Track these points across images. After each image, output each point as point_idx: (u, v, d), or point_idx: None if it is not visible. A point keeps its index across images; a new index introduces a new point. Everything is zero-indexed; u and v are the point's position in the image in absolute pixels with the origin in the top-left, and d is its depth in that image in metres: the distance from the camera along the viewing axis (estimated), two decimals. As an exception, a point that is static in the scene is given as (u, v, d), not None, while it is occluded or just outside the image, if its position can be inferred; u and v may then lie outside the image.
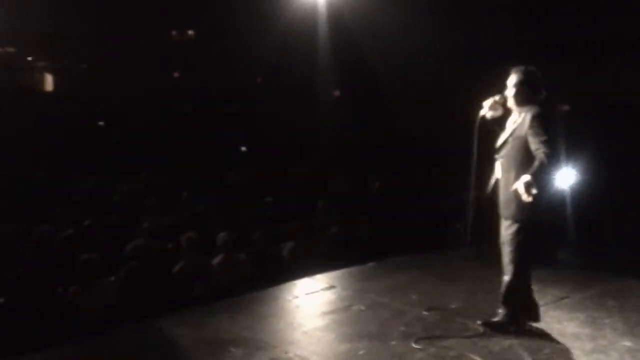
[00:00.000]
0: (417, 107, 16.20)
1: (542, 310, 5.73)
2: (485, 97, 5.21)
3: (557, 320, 5.54)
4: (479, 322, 5.27)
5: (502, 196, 5.14)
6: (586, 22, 13.29)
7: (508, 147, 5.06)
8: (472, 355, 4.80)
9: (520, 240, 5.00)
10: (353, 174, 13.21)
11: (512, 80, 5.06)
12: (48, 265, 6.90)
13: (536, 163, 4.67)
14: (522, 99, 4.98)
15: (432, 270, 7.23)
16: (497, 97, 5.18)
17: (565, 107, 15.14)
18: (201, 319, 5.59)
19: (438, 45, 15.09)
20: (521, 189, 4.65)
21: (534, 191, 4.59)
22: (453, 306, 5.93)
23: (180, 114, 16.94)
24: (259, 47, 16.07)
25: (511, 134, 5.02)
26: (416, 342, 5.03)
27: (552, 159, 4.68)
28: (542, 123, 4.76)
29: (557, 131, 4.85)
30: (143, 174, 12.46)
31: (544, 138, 4.70)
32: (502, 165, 5.16)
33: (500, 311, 5.20)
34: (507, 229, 5.11)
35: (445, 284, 6.70)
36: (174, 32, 18.45)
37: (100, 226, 8.33)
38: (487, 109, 5.23)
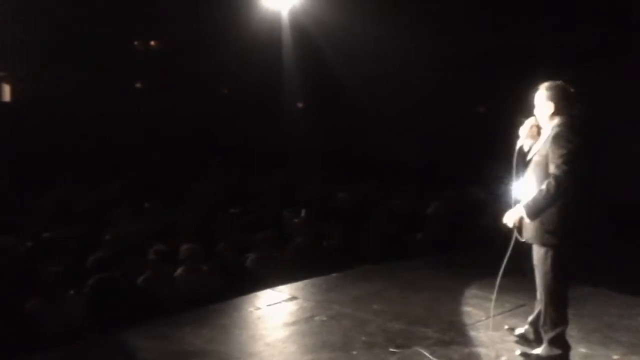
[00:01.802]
0: (383, 116, 16.32)
1: (500, 318, 5.90)
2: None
3: (515, 327, 5.65)
4: (518, 352, 5.01)
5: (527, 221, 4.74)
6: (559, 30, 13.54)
7: (531, 167, 4.76)
8: (432, 364, 4.89)
9: (550, 264, 4.70)
10: (319, 184, 13.28)
11: (539, 96, 4.76)
12: (10, 278, 6.83)
13: (540, 189, 4.50)
14: (549, 116, 4.68)
15: (396, 280, 7.31)
16: (532, 120, 4.85)
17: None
18: (165, 331, 5.60)
19: (404, 55, 15.24)
20: (509, 218, 4.71)
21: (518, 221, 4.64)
22: (416, 315, 6.01)
23: (147, 124, 16.87)
24: (225, 58, 16.09)
25: (535, 153, 4.73)
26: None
27: (561, 186, 4.42)
28: (564, 141, 4.48)
29: (585, 149, 4.52)
30: (113, 184, 12.39)
31: (560, 161, 4.45)
32: (525, 186, 4.78)
33: (543, 339, 4.89)
34: (536, 254, 4.82)
35: (408, 293, 6.80)
36: (136, 42, 18.33)
37: (65, 237, 8.27)
38: (524, 138, 4.87)
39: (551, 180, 4.47)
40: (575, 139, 4.50)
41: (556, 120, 4.66)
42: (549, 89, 4.71)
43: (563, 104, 4.66)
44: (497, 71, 14.32)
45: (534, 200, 4.56)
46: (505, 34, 14.44)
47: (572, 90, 4.72)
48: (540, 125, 4.80)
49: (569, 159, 4.44)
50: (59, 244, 7.87)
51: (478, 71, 14.81)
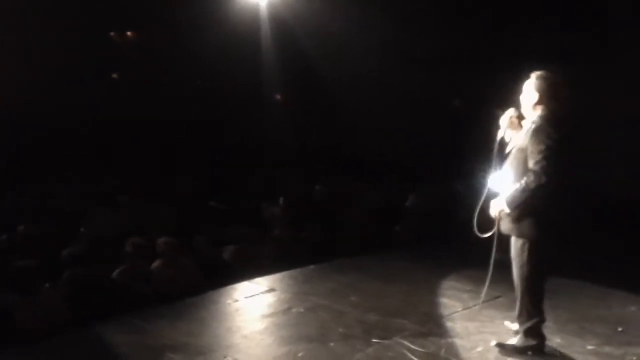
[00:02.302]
0: (363, 111, 16.34)
1: (476, 309, 5.95)
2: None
3: (491, 319, 5.72)
4: (494, 342, 5.05)
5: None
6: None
7: (510, 158, 4.72)
8: (409, 355, 4.91)
9: (527, 257, 4.70)
10: (297, 177, 13.28)
11: (527, 84, 4.69)
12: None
13: (519, 184, 4.52)
14: (532, 106, 4.64)
15: (372, 272, 7.34)
16: (512, 112, 4.82)
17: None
18: (141, 325, 5.58)
19: (385, 49, 15.27)
20: (493, 209, 4.75)
21: (499, 213, 4.69)
22: (393, 307, 6.04)
23: (122, 116, 16.72)
24: (203, 51, 16.00)
25: (515, 145, 4.69)
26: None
27: (539, 181, 4.43)
28: (543, 136, 4.45)
29: (566, 144, 4.49)
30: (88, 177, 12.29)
31: (539, 157, 4.44)
32: (505, 178, 4.75)
33: (517, 332, 4.94)
34: (513, 245, 4.82)
35: (385, 286, 6.83)
36: (112, 33, 18.14)
37: (40, 232, 8.19)
38: (504, 129, 4.82)
39: (530, 174, 4.48)
40: (555, 134, 4.46)
41: (538, 111, 4.62)
42: (538, 78, 4.65)
43: (548, 96, 4.59)
44: (475, 68, 14.39)
45: (514, 193, 4.59)
46: (486, 32, 14.49)
47: (562, 84, 4.65)
48: (522, 115, 4.78)
49: (547, 154, 4.43)
50: (34, 238, 7.79)
51: (456, 67, 14.87)
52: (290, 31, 16.11)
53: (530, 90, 4.68)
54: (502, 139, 4.84)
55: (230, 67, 16.82)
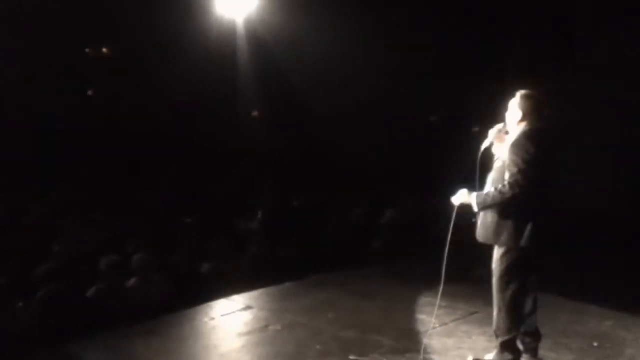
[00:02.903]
0: (340, 123, 16.37)
1: (452, 325, 5.96)
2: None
3: (468, 334, 5.72)
4: (470, 358, 5.06)
5: (485, 222, 4.82)
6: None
7: (492, 170, 4.87)
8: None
9: (505, 267, 4.74)
10: (274, 192, 13.24)
11: (512, 102, 4.83)
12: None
13: (496, 187, 4.63)
14: (516, 122, 4.76)
15: (349, 288, 7.33)
16: (500, 126, 4.93)
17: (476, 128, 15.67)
18: (116, 344, 5.51)
19: (362, 62, 15.33)
20: (457, 199, 4.82)
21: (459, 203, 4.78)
22: (369, 324, 6.02)
23: (98, 131, 16.59)
24: (179, 65, 15.95)
25: (497, 158, 4.84)
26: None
27: (512, 193, 4.54)
28: (520, 150, 4.57)
29: (543, 159, 4.61)
30: (57, 192, 12.13)
31: (515, 170, 4.56)
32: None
33: (495, 343, 4.92)
34: (494, 256, 4.84)
35: (362, 302, 6.82)
36: (87, 49, 18.03)
37: (12, 248, 8.07)
38: (490, 140, 4.93)
39: (505, 185, 4.59)
40: (532, 148, 4.57)
41: (521, 127, 4.75)
42: (521, 97, 4.79)
43: (530, 113, 4.73)
44: (454, 80, 14.51)
45: (487, 194, 4.69)
46: (463, 45, 14.63)
47: (544, 102, 4.80)
48: (508, 131, 4.89)
49: (522, 168, 4.54)
50: (5, 254, 7.67)
51: (436, 79, 14.98)
52: (267, 45, 16.12)
53: (514, 107, 4.82)
54: (487, 149, 4.93)
55: (207, 80, 16.80)
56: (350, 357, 5.18)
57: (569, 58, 12.70)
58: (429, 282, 7.27)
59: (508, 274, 4.75)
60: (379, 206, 11.54)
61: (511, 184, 4.56)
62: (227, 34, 15.75)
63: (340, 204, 11.99)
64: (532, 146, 4.58)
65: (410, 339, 5.64)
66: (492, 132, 4.93)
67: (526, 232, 4.63)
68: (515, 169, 4.56)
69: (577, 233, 8.85)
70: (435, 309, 5.32)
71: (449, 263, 5.02)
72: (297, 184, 14.09)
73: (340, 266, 8.46)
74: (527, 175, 4.53)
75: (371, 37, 15.06)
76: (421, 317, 6.28)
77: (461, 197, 4.85)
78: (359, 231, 10.14)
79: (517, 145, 4.62)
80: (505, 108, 4.92)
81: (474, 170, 4.93)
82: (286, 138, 17.31)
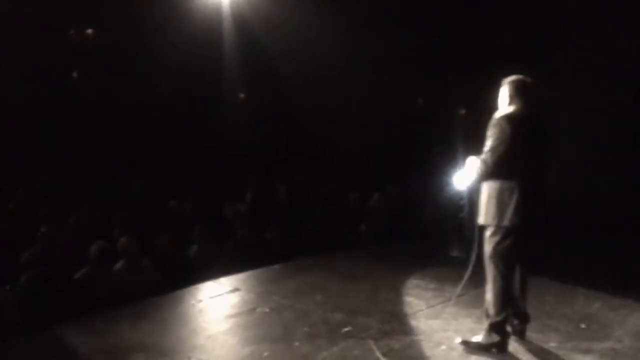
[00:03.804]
0: (325, 111, 16.36)
1: (440, 307, 5.97)
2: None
3: (454, 316, 5.73)
4: (458, 340, 5.07)
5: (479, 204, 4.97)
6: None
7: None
8: (374, 354, 4.89)
9: (492, 247, 4.82)
10: (260, 177, 13.22)
11: (501, 88, 4.99)
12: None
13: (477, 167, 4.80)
14: (505, 107, 4.88)
15: (336, 271, 7.33)
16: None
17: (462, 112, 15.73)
18: (102, 327, 5.46)
19: (347, 51, 15.30)
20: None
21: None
22: (357, 306, 6.03)
23: (82, 116, 16.45)
24: (163, 50, 15.82)
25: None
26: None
27: (483, 169, 4.73)
28: (495, 129, 4.69)
29: (521, 139, 4.68)
30: (41, 178, 12.02)
31: (487, 148, 4.72)
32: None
33: (484, 325, 4.94)
34: (484, 236, 4.93)
35: (349, 285, 6.82)
36: (72, 31, 17.82)
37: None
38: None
39: (480, 161, 4.77)
40: (508, 128, 4.66)
41: (505, 110, 4.85)
42: (508, 82, 4.93)
43: (514, 96, 4.86)
44: (436, 68, 14.53)
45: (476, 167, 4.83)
46: (445, 32, 14.63)
47: (530, 85, 4.90)
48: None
49: (494, 145, 4.69)
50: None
51: (418, 68, 14.99)
52: (253, 30, 16.04)
53: (502, 94, 4.96)
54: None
55: (191, 67, 16.69)
56: (338, 340, 5.17)
57: (555, 47, 12.72)
58: (414, 265, 7.38)
59: (495, 254, 4.81)
60: (366, 191, 11.56)
61: (483, 161, 4.74)
62: (212, 19, 15.67)
63: (326, 189, 12.00)
64: (508, 126, 4.67)
65: (398, 321, 5.65)
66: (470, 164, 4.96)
67: (508, 212, 4.70)
68: (487, 148, 4.72)
69: (567, 220, 8.91)
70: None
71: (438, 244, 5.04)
72: (283, 170, 14.07)
73: (327, 250, 8.48)
74: (498, 154, 4.66)
75: (358, 24, 15.04)
76: (408, 299, 6.31)
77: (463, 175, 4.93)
78: (345, 215, 10.16)
79: (494, 125, 4.74)
80: (490, 94, 5.04)
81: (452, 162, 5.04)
82: (272, 125, 17.28)
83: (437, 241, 8.27)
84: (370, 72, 15.51)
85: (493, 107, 5.00)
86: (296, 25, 14.77)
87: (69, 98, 16.71)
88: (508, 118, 4.73)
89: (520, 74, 5.01)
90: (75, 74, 18.17)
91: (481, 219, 4.88)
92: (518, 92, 4.86)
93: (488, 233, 4.86)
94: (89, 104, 16.65)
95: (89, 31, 17.88)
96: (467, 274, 5.14)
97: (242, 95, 19.95)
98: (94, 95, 16.96)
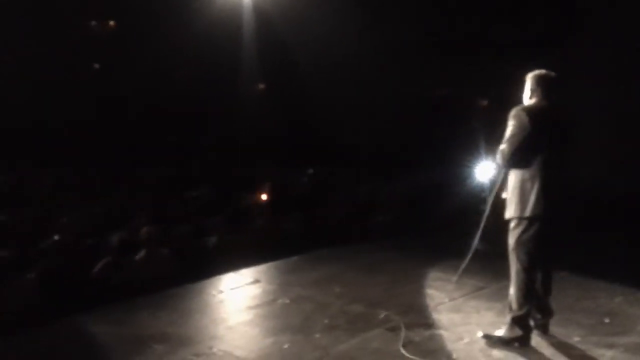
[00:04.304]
0: (343, 101, 16.30)
1: (461, 300, 5.93)
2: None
3: (476, 309, 5.70)
4: (479, 333, 5.05)
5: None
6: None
7: None
8: (393, 346, 4.87)
9: (515, 239, 4.80)
10: (279, 167, 13.22)
11: (525, 82, 4.99)
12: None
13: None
14: (527, 100, 4.92)
15: (355, 263, 7.33)
16: None
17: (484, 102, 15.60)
18: (123, 316, 5.49)
19: (364, 39, 15.22)
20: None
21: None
22: (376, 298, 6.00)
23: (102, 106, 16.53)
24: (183, 40, 15.85)
25: None
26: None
27: (502, 160, 4.77)
28: (515, 120, 4.70)
29: (540, 131, 4.66)
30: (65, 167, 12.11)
31: (505, 138, 4.73)
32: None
33: (507, 319, 4.91)
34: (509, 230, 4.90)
35: (369, 276, 6.81)
36: (94, 22, 17.90)
37: (16, 222, 8.06)
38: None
39: (498, 153, 4.81)
40: (527, 120, 4.66)
41: (526, 103, 4.89)
42: (531, 76, 4.93)
43: (535, 90, 4.86)
44: (457, 58, 14.41)
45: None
46: (459, 20, 14.54)
47: (551, 79, 4.89)
48: None
49: (512, 135, 4.71)
50: (14, 227, 7.66)
51: (439, 57, 14.88)
52: (268, 21, 16.01)
53: (525, 87, 4.96)
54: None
55: (211, 57, 16.69)
56: (358, 332, 5.15)
57: (573, 34, 12.57)
58: (434, 257, 7.34)
59: (518, 246, 4.78)
60: (384, 182, 11.53)
61: (501, 151, 4.76)
62: (232, 8, 15.66)
63: (344, 180, 11.98)
64: (527, 117, 4.67)
65: (419, 314, 5.61)
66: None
67: (530, 202, 4.69)
68: (506, 137, 4.74)
69: (589, 212, 8.80)
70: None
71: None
72: (301, 160, 14.07)
73: (345, 241, 8.46)
74: (516, 144, 4.68)
75: (376, 13, 14.95)
76: (429, 291, 6.28)
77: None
78: (363, 206, 10.14)
79: (513, 116, 4.75)
80: (512, 84, 5.10)
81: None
82: (289, 116, 17.25)
83: (457, 233, 8.21)
84: (389, 60, 15.42)
85: (516, 99, 4.98)
86: (311, 13, 14.71)
87: (86, 89, 16.80)
88: (527, 109, 4.75)
89: (543, 64, 5.01)
90: (96, 65, 18.26)
91: (506, 213, 4.86)
92: (539, 85, 4.86)
93: (511, 225, 4.83)
94: (108, 93, 16.73)
95: (111, 23, 17.95)
96: (465, 261, 5.31)
97: (260, 87, 19.92)
98: (114, 84, 17.03)
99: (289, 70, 17.19)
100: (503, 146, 4.75)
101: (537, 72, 4.93)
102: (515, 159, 4.71)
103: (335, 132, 16.20)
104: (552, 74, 4.93)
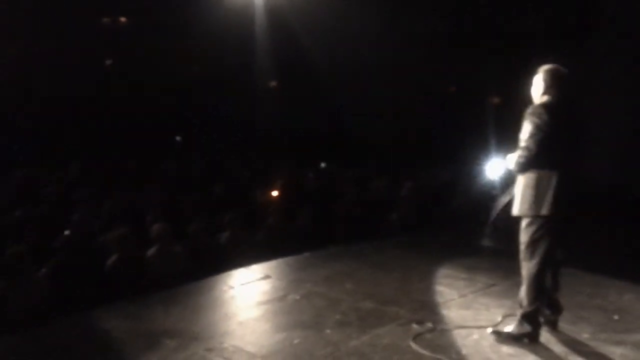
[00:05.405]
0: (358, 98, 16.30)
1: (471, 297, 5.95)
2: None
3: (486, 306, 5.71)
4: (489, 330, 5.07)
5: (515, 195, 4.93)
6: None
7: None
8: (404, 343, 4.89)
9: (528, 237, 4.80)
10: (290, 164, 13.24)
11: (535, 77, 4.93)
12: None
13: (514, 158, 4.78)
14: (539, 96, 4.86)
15: (367, 260, 7.34)
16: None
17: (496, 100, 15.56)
18: (135, 311, 5.55)
19: (381, 35, 15.21)
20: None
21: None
22: (387, 295, 6.03)
23: (113, 103, 16.59)
24: (196, 36, 15.89)
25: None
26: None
27: (523, 159, 4.70)
28: (534, 118, 4.65)
29: (559, 129, 4.65)
30: (75, 164, 12.17)
31: (527, 135, 4.67)
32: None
33: (517, 315, 4.92)
34: (521, 227, 4.89)
35: (380, 273, 6.82)
36: (105, 19, 17.98)
37: (30, 217, 8.13)
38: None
39: (517, 152, 4.75)
40: (547, 117, 4.64)
41: (541, 99, 4.84)
42: (542, 71, 4.88)
43: (551, 86, 4.81)
44: (469, 54, 14.38)
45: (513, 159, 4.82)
46: (479, 16, 14.49)
47: (564, 74, 4.85)
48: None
49: (533, 133, 4.65)
50: (30, 222, 7.73)
51: (451, 53, 14.86)
52: (282, 14, 16.00)
53: (537, 82, 4.91)
54: None
55: (223, 53, 16.73)
56: (368, 328, 5.18)
57: (592, 29, 12.51)
58: (444, 254, 7.35)
59: (532, 244, 4.77)
60: (396, 178, 11.53)
61: (522, 148, 4.70)
62: (245, 4, 15.68)
63: (356, 176, 11.98)
64: (547, 115, 4.65)
65: (429, 311, 5.63)
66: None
67: (546, 201, 4.67)
68: (527, 135, 4.69)
69: (600, 209, 8.77)
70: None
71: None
72: (313, 156, 14.08)
73: (357, 238, 8.48)
74: (538, 142, 4.63)
75: (396, 8, 14.95)
76: (439, 288, 6.28)
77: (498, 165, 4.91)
78: (375, 203, 10.15)
79: (533, 114, 4.71)
80: (527, 81, 4.98)
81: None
82: (302, 111, 17.26)
83: (467, 230, 8.24)
84: (402, 57, 15.39)
85: (526, 95, 4.97)
86: (327, 9, 14.71)
87: (98, 85, 16.88)
88: (546, 107, 4.72)
89: (555, 58, 4.97)
90: (109, 62, 18.34)
91: (516, 210, 4.84)
92: (553, 81, 4.82)
93: (524, 223, 4.82)
94: (117, 91, 16.81)
95: (123, 19, 18.02)
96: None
97: (273, 83, 19.94)
98: (126, 80, 17.10)
99: (304, 64, 17.19)
100: (527, 143, 4.68)
101: (550, 66, 4.88)
102: (537, 158, 4.67)
103: (350, 128, 16.22)
104: (564, 68, 4.89)
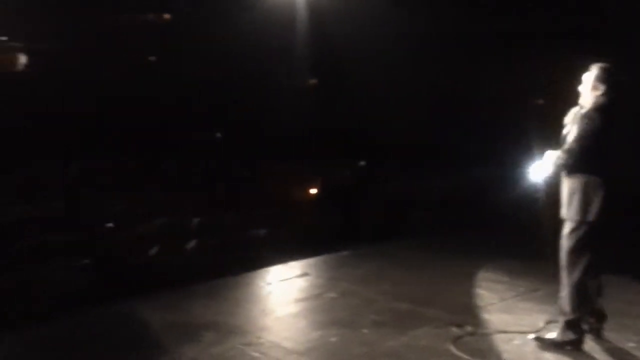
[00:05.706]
0: (386, 97, 16.21)
1: (512, 301, 5.85)
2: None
3: (528, 311, 5.61)
4: (531, 336, 4.98)
5: (562, 198, 4.81)
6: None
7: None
8: (442, 346, 4.82)
9: (574, 243, 4.68)
10: (327, 162, 13.20)
11: (587, 75, 4.76)
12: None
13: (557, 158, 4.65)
14: (585, 96, 4.73)
15: (401, 260, 7.32)
16: (576, 110, 4.83)
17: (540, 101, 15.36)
18: (174, 303, 5.57)
19: (416, 37, 15.12)
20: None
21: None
22: (422, 296, 5.97)
23: (153, 100, 16.68)
24: (234, 34, 15.92)
25: (569, 131, 4.78)
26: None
27: (566, 161, 4.59)
28: (586, 120, 4.55)
29: (610, 133, 4.57)
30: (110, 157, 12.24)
31: (575, 138, 4.56)
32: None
33: (559, 322, 4.83)
34: (564, 231, 4.78)
35: (414, 274, 6.78)
36: (150, 15, 18.10)
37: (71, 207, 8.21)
38: (569, 126, 4.79)
39: (563, 152, 4.63)
40: (598, 120, 4.54)
41: (594, 100, 4.68)
42: (597, 69, 4.71)
43: (605, 87, 4.65)
44: (506, 51, 14.23)
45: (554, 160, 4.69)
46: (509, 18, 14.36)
47: (619, 75, 4.73)
48: (582, 105, 4.78)
49: (582, 136, 4.55)
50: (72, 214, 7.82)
51: (487, 51, 14.72)
52: (319, 17, 15.97)
53: (588, 80, 4.74)
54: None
55: (256, 53, 16.76)
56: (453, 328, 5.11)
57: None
58: (481, 256, 7.27)
59: (577, 250, 4.67)
60: (425, 179, 11.46)
61: (565, 150, 4.61)
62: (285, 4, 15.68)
63: (386, 176, 11.94)
64: (600, 120, 4.54)
65: (468, 314, 5.55)
66: (568, 118, 4.81)
67: (593, 207, 4.57)
68: (575, 137, 4.58)
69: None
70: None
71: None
72: (346, 156, 14.02)
73: (389, 237, 8.46)
74: (585, 147, 4.54)
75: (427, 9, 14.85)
76: (478, 291, 6.21)
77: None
78: (406, 202, 10.11)
79: (585, 116, 4.60)
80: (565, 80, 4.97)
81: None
82: (334, 110, 17.21)
83: (504, 232, 8.14)
84: (435, 55, 15.27)
85: (571, 95, 4.85)
86: (354, 5, 14.62)
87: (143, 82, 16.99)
88: (600, 110, 4.59)
89: (592, 57, 4.85)
90: (153, 58, 18.45)
91: (564, 213, 4.74)
92: (604, 80, 4.66)
93: (569, 229, 4.71)
94: (157, 86, 16.90)
95: (166, 15, 18.13)
96: None
97: (313, 81, 19.90)
98: (162, 77, 17.20)
99: (336, 65, 17.13)
100: (571, 146, 4.58)
101: (601, 64, 4.73)
102: (583, 162, 4.56)
103: (380, 127, 16.12)
104: (614, 67, 4.74)
